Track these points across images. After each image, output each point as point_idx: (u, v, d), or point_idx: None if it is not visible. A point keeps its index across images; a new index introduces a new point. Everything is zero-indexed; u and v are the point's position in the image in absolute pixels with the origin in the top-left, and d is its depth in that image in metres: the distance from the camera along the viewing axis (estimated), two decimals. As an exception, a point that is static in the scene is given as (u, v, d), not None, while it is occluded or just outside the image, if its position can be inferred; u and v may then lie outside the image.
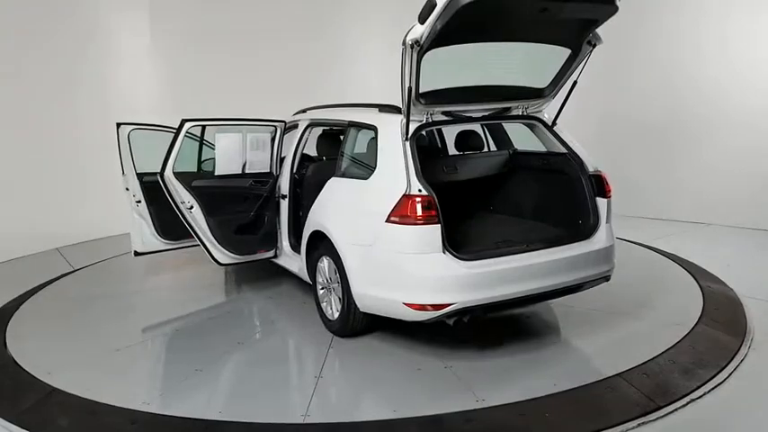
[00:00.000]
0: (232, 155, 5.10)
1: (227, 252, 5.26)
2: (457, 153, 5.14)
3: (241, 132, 5.15)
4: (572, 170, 4.47)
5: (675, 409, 3.42)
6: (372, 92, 9.45)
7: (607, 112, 8.87)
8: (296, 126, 5.61)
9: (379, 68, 9.51)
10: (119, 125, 5.67)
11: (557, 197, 4.66)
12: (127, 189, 5.87)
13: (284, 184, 5.48)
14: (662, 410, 3.39)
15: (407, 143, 3.98)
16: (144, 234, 5.92)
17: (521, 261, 3.94)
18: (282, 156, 5.61)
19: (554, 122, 4.61)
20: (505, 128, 5.37)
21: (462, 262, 3.80)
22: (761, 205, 7.62)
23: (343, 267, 4.27)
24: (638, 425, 3.28)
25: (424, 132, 4.63)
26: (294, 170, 5.47)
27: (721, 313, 4.76)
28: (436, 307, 3.77)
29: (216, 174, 5.14)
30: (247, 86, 9.35)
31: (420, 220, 3.75)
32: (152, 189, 5.82)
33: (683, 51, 8.16)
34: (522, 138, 5.40)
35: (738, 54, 7.65)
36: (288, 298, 5.57)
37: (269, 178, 5.40)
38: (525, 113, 4.58)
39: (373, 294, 4.08)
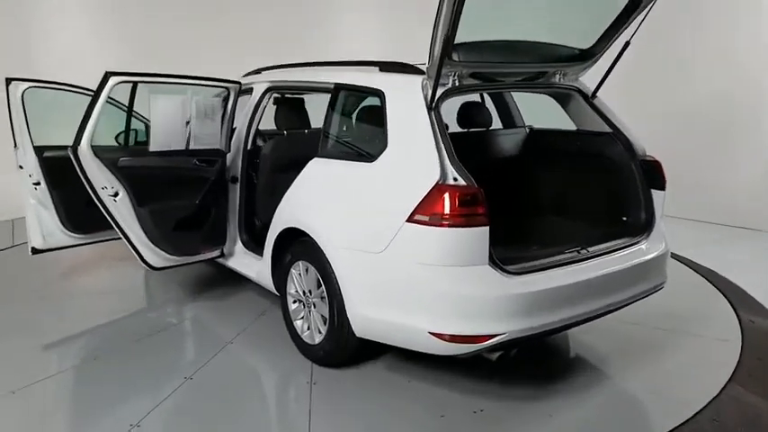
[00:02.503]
0: (172, 125, 3.81)
1: (162, 253, 4.00)
2: (460, 130, 4.12)
3: (185, 95, 3.87)
4: (618, 154, 3.57)
5: None
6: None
7: (640, 92, 6.98)
8: (249, 91, 4.40)
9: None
10: (9, 81, 4.24)
11: (596, 187, 3.76)
12: (21, 167, 4.46)
13: (236, 165, 4.29)
14: None
15: (433, 113, 2.93)
16: (45, 226, 4.54)
17: (581, 273, 3.01)
18: (233, 128, 4.40)
19: (594, 94, 3.69)
20: (516, 100, 4.43)
21: (513, 277, 2.81)
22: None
23: (335, 278, 3.18)
24: None
25: None
26: (249, 147, 4.29)
27: (765, 367, 3.54)
28: (478, 339, 2.76)
29: (150, 150, 3.84)
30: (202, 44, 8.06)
31: (461, 220, 2.72)
32: (55, 167, 4.45)
33: (745, 35, 6.56)
34: (531, 113, 4.49)
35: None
36: (239, 308, 4.39)
37: (218, 157, 4.17)
38: (561, 81, 3.60)
39: (380, 317, 3.03)
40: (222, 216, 4.29)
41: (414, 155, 2.91)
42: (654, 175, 3.50)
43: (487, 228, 2.74)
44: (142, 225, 3.87)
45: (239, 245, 4.36)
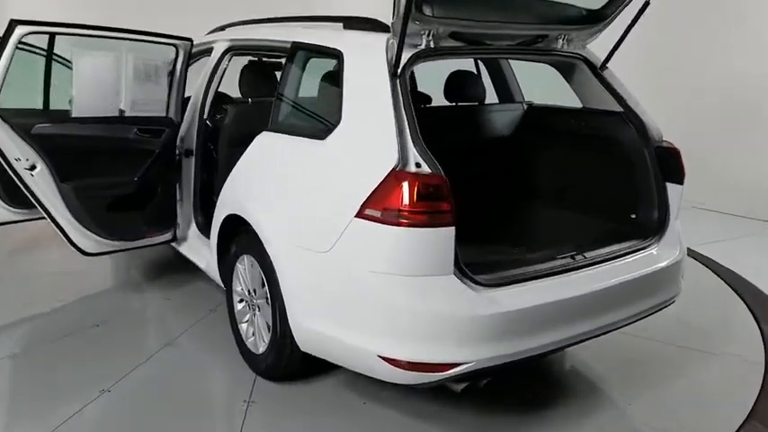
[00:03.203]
0: (102, 86, 3.24)
1: (94, 236, 3.47)
2: (448, 104, 3.53)
3: (119, 52, 3.30)
4: (629, 138, 2.96)
5: None
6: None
7: (663, 67, 6.44)
8: (209, 51, 3.82)
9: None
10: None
11: (601, 177, 3.16)
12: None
13: (190, 136, 3.73)
14: None
15: (398, 81, 2.34)
16: (-19, 200, 4.03)
17: (574, 286, 2.43)
18: (188, 95, 3.84)
19: (604, 65, 3.06)
20: (514, 71, 3.82)
21: (486, 290, 2.24)
22: None
23: (276, 279, 2.64)
24: None
25: None
26: (206, 116, 3.72)
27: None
28: (438, 367, 2.20)
29: (74, 116, 3.28)
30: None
31: (421, 217, 2.15)
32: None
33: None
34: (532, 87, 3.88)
35: None
36: (192, 300, 3.88)
37: (166, 126, 3.61)
38: (565, 48, 2.98)
39: (324, 332, 2.48)
40: (171, 194, 3.75)
41: (368, 132, 2.34)
42: (671, 165, 2.89)
43: (453, 228, 2.17)
44: (67, 204, 3.32)
45: (194, 228, 3.83)
